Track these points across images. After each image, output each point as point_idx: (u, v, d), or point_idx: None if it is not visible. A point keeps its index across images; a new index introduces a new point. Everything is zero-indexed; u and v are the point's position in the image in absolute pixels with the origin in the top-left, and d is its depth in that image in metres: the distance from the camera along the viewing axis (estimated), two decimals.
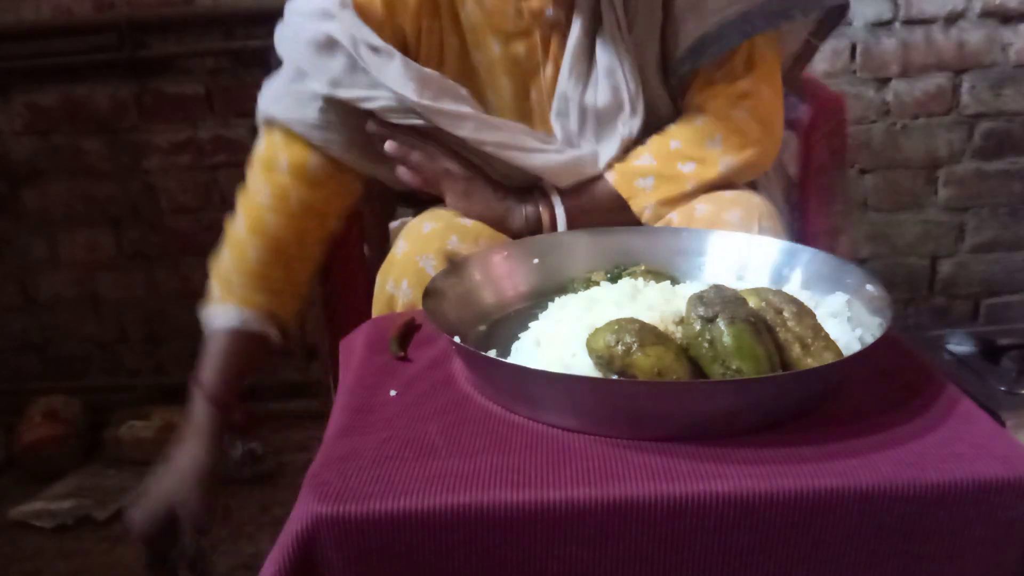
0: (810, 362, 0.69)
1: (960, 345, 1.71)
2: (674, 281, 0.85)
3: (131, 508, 0.94)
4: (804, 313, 0.72)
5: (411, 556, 0.61)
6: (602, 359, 0.67)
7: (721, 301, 0.68)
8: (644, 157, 1.02)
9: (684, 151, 1.01)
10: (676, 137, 1.02)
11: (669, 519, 0.60)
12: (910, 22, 1.93)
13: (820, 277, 0.84)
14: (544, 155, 1.02)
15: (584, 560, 0.61)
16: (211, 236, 1.03)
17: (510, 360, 0.75)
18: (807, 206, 1.17)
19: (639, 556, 0.61)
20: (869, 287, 0.80)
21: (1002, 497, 0.61)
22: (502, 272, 0.92)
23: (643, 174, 1.01)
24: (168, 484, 0.94)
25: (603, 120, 1.03)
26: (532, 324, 0.79)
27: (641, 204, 1.01)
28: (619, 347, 0.66)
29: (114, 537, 1.69)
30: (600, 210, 1.03)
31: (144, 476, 1.84)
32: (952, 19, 1.93)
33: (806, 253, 0.88)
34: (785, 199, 1.19)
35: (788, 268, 0.87)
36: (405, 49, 1.02)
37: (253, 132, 1.05)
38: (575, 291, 0.84)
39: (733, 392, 0.65)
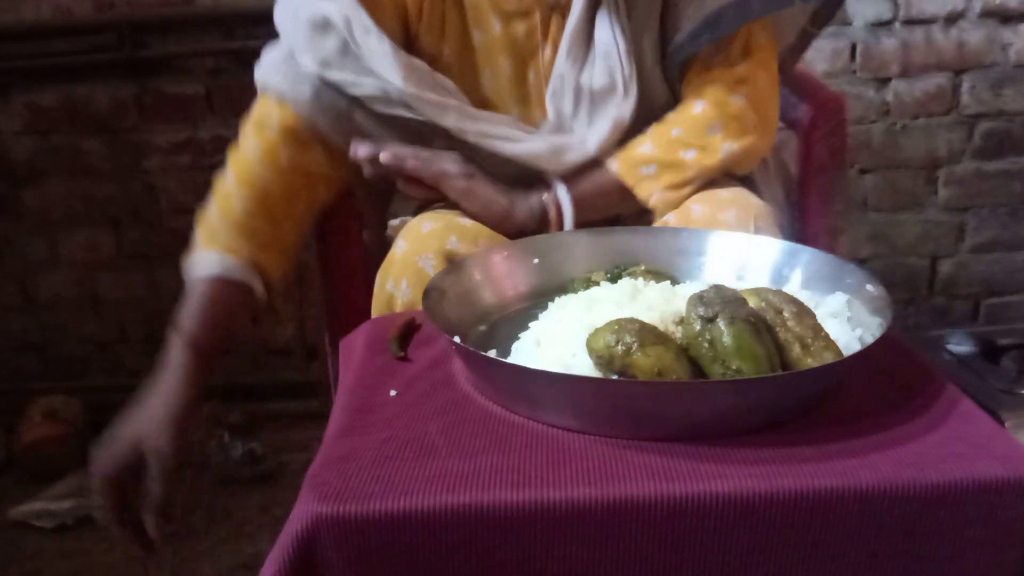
0: (810, 362, 0.69)
1: (960, 345, 1.70)
2: (674, 281, 0.85)
3: (96, 448, 0.87)
4: (804, 313, 0.72)
5: (411, 556, 0.61)
6: (602, 359, 0.67)
7: (721, 301, 0.68)
8: (645, 146, 1.02)
9: (685, 138, 1.01)
10: (677, 125, 1.02)
11: (669, 519, 0.60)
12: (910, 22, 1.93)
13: (820, 277, 0.85)
14: (527, 143, 1.02)
15: (584, 560, 0.61)
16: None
17: (510, 360, 0.75)
18: (807, 206, 1.17)
19: (639, 556, 0.61)
20: (869, 287, 0.80)
21: (1002, 497, 0.61)
22: (502, 272, 0.92)
23: (646, 162, 1.01)
24: (136, 424, 0.88)
25: (597, 102, 1.03)
26: (532, 324, 0.79)
27: (647, 191, 1.02)
28: (619, 347, 0.66)
29: (114, 537, 1.68)
30: (605, 199, 1.03)
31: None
32: (952, 19, 1.93)
33: (806, 253, 0.88)
34: (785, 198, 1.19)
35: (788, 268, 0.87)
36: (406, 25, 1.03)
37: None
38: (575, 291, 0.84)
39: (733, 392, 0.65)
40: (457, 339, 0.75)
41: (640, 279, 0.83)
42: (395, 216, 1.26)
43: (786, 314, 0.71)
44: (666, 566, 0.62)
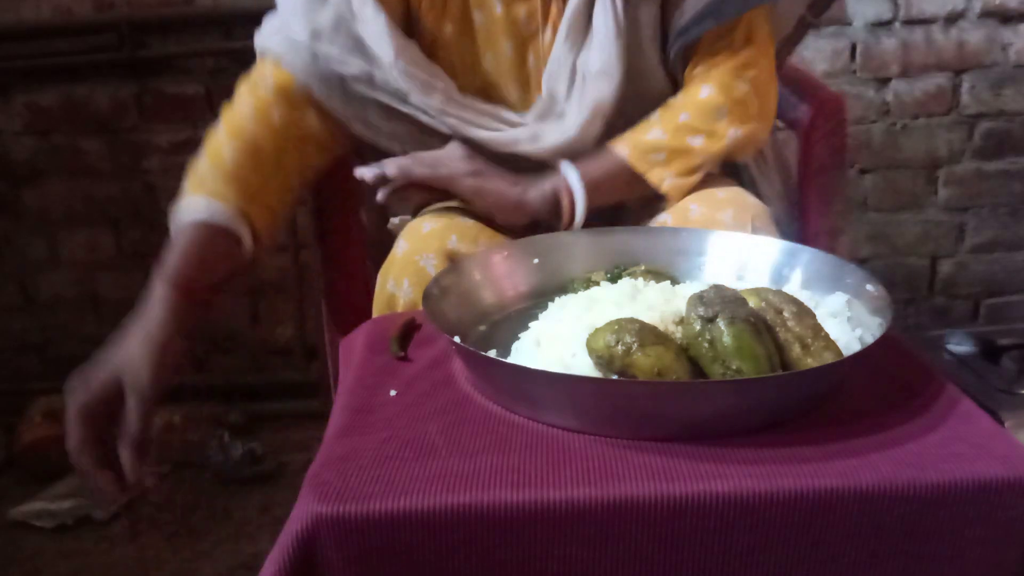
0: (810, 362, 0.69)
1: (960, 345, 1.70)
2: (674, 281, 0.85)
3: (72, 380, 0.82)
4: (804, 313, 0.72)
5: (411, 556, 0.61)
6: (602, 359, 0.67)
7: (721, 301, 0.68)
8: (654, 131, 1.02)
9: (693, 123, 1.01)
10: (684, 109, 1.02)
11: (669, 519, 0.60)
12: (910, 22, 1.93)
13: (820, 277, 0.85)
14: (505, 132, 1.03)
15: (584, 560, 0.61)
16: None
17: (510, 360, 0.75)
18: (807, 206, 1.17)
19: (639, 556, 0.61)
20: (869, 287, 0.80)
21: (1002, 497, 0.61)
22: (502, 272, 0.92)
23: (655, 149, 1.02)
24: (115, 356, 0.83)
25: (590, 85, 1.03)
26: (532, 324, 0.79)
27: (659, 176, 1.02)
28: (619, 347, 0.66)
29: (114, 537, 1.69)
30: (616, 185, 1.03)
31: (144, 476, 1.82)
32: (952, 19, 1.93)
33: (806, 253, 0.88)
34: (784, 190, 1.19)
35: (788, 268, 0.87)
36: (408, 4, 1.03)
37: None
38: (575, 291, 0.84)
39: (733, 392, 0.65)
40: (457, 339, 0.75)
41: (640, 279, 0.83)
42: (394, 214, 1.26)
43: (786, 314, 0.71)
44: (666, 566, 0.62)
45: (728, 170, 1.19)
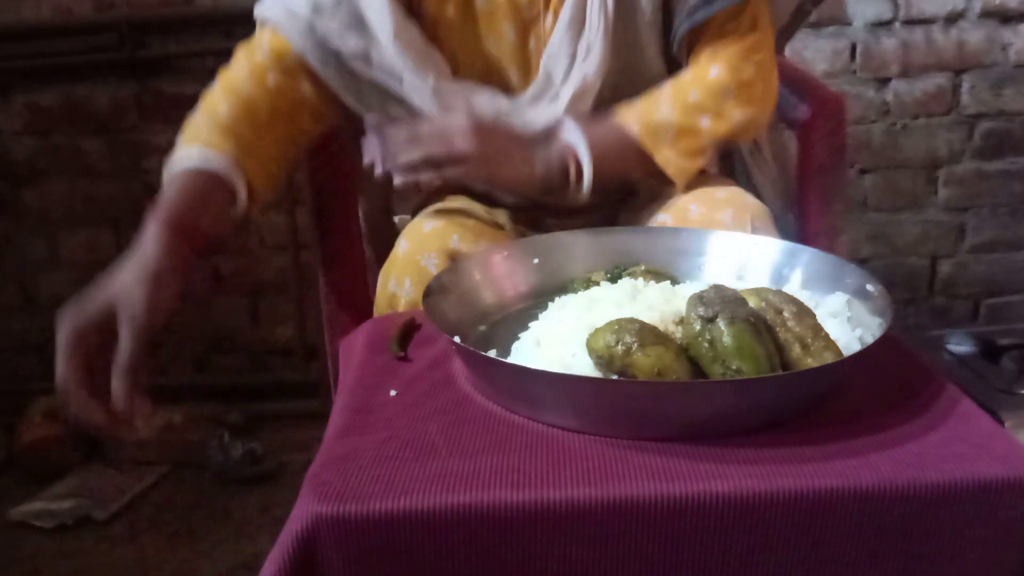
0: (810, 362, 0.69)
1: (960, 345, 1.70)
2: (674, 281, 0.85)
3: (63, 311, 0.78)
4: (804, 313, 0.72)
5: (411, 556, 0.61)
6: (602, 359, 0.67)
7: (721, 301, 0.68)
8: (664, 108, 1.01)
9: (702, 103, 1.01)
10: (694, 87, 1.02)
11: (669, 519, 0.60)
12: (910, 22, 1.93)
13: (820, 277, 0.85)
14: (501, 118, 1.03)
15: (584, 560, 0.61)
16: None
17: (510, 360, 0.75)
18: (807, 206, 1.17)
19: (639, 556, 0.61)
20: (869, 287, 0.80)
21: (1002, 497, 0.61)
22: (502, 272, 0.92)
23: (665, 127, 1.01)
24: (108, 285, 0.80)
25: (578, 65, 1.03)
26: (532, 324, 0.79)
27: (665, 157, 1.01)
28: (619, 347, 0.66)
29: (114, 537, 1.69)
30: (622, 159, 1.02)
31: (144, 476, 1.83)
32: (952, 19, 1.93)
33: (806, 253, 0.88)
34: (782, 179, 1.19)
35: (788, 268, 0.87)
36: None
37: None
38: (575, 291, 0.84)
39: (733, 392, 0.65)
40: (457, 339, 0.75)
41: (640, 279, 0.83)
42: (394, 213, 1.26)
43: (786, 314, 0.71)
44: (666, 566, 0.62)
45: (723, 161, 1.19)
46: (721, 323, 0.67)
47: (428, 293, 0.82)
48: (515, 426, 0.69)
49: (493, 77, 1.06)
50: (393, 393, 0.76)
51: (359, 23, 1.00)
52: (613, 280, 0.86)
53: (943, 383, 0.74)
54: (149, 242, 0.83)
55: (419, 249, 1.00)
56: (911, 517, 0.61)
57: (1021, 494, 0.61)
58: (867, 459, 0.63)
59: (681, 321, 0.71)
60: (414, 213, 1.16)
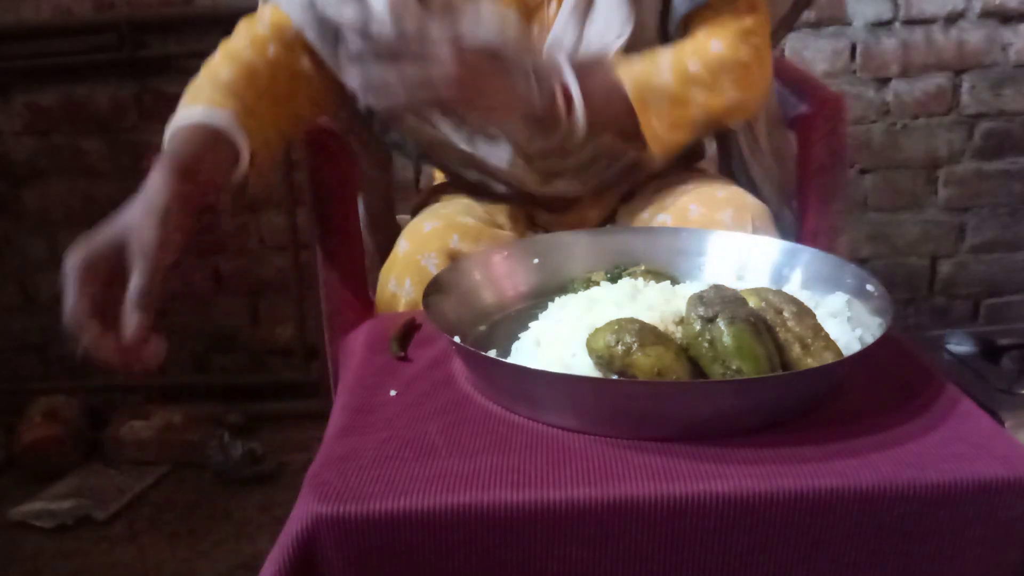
0: (810, 362, 0.69)
1: (960, 345, 1.70)
2: (674, 281, 0.85)
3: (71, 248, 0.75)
4: (804, 313, 0.72)
5: (411, 556, 0.61)
6: (602, 359, 0.67)
7: (721, 301, 0.68)
8: (664, 75, 0.98)
9: (700, 76, 0.98)
10: (694, 57, 0.99)
11: (669, 519, 0.60)
12: (910, 22, 1.93)
13: (820, 277, 0.85)
14: None
15: (584, 560, 0.61)
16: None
17: (510, 360, 0.75)
18: (807, 206, 1.17)
19: (639, 556, 0.61)
20: (869, 287, 0.80)
21: (1002, 497, 0.61)
22: (502, 272, 0.92)
23: (659, 94, 0.97)
24: (116, 222, 0.78)
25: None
26: (532, 324, 0.79)
27: (650, 125, 0.97)
28: (619, 347, 0.66)
29: (114, 537, 1.69)
30: (608, 113, 0.98)
31: (144, 476, 1.83)
32: (952, 19, 1.93)
33: (806, 253, 0.88)
34: (780, 185, 1.19)
35: (788, 268, 0.87)
36: None
37: None
38: (575, 291, 0.84)
39: (733, 392, 0.65)
40: (457, 339, 0.75)
41: (640, 279, 0.83)
42: (396, 207, 1.26)
43: (786, 314, 0.71)
44: (666, 566, 0.62)
45: (722, 156, 1.19)
46: (721, 323, 0.67)
47: (428, 293, 0.82)
48: (515, 426, 0.69)
49: None
50: (393, 393, 0.76)
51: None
52: (613, 280, 0.86)
53: (943, 383, 0.74)
54: (156, 184, 0.80)
55: (419, 249, 1.00)
56: (911, 517, 0.61)
57: (1021, 494, 0.61)
58: (867, 459, 0.63)
59: (681, 321, 0.71)
60: (414, 213, 1.16)
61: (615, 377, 0.67)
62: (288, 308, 2.08)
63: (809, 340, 0.70)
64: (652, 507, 0.60)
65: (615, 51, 1.00)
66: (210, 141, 0.88)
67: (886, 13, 1.93)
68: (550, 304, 0.82)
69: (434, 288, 0.83)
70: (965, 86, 1.97)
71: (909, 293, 2.12)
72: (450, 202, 1.12)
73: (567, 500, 0.60)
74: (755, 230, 0.98)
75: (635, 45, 1.03)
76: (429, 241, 1.00)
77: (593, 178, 1.09)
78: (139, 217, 0.76)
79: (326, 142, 1.12)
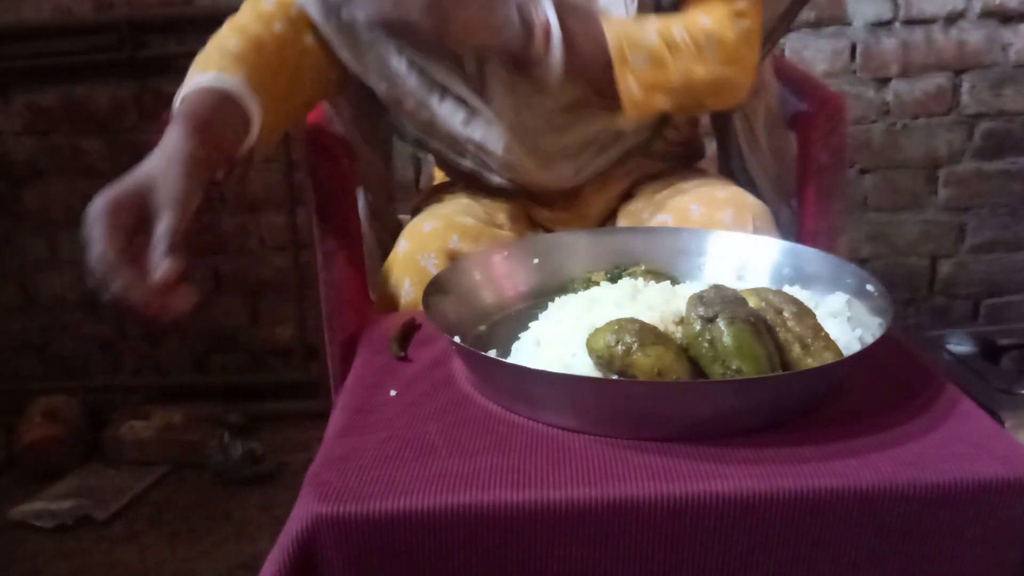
0: (810, 362, 0.69)
1: (960, 345, 1.70)
2: (674, 281, 0.85)
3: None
4: (804, 313, 0.72)
5: (411, 556, 0.61)
6: (602, 359, 0.67)
7: (721, 301, 0.68)
8: (650, 32, 0.97)
9: (685, 42, 0.97)
10: (681, 25, 0.98)
11: (669, 519, 0.60)
12: (910, 22, 1.93)
13: (820, 277, 0.85)
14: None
15: (584, 560, 0.61)
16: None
17: (510, 360, 0.75)
18: (807, 206, 1.17)
19: (639, 556, 0.61)
20: (869, 287, 0.80)
21: (1002, 497, 0.61)
22: (502, 272, 0.92)
23: (642, 50, 0.96)
24: (137, 172, 0.77)
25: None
26: (532, 324, 0.79)
27: (626, 81, 0.96)
28: (619, 347, 0.66)
29: (114, 537, 1.69)
30: (585, 61, 0.96)
31: (144, 476, 1.82)
32: (952, 19, 1.93)
33: (806, 253, 0.88)
34: (779, 182, 1.19)
35: (788, 268, 0.87)
36: None
37: None
38: (575, 291, 0.84)
39: (733, 392, 0.65)
40: (457, 339, 0.75)
41: (640, 279, 0.83)
42: (396, 201, 1.26)
43: (786, 314, 0.71)
44: (666, 566, 0.62)
45: (721, 151, 1.18)
46: (721, 323, 0.67)
47: (428, 293, 0.82)
48: (515, 426, 0.69)
49: None
50: (393, 393, 0.76)
51: None
52: (613, 280, 0.86)
53: (943, 383, 0.74)
54: (174, 138, 0.80)
55: (419, 249, 1.00)
56: (911, 517, 0.61)
57: (1021, 494, 0.61)
58: (867, 459, 0.63)
59: (681, 321, 0.71)
60: (414, 213, 1.16)
61: (615, 377, 0.67)
62: (288, 308, 2.08)
63: (809, 340, 0.70)
64: (652, 507, 0.60)
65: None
66: (222, 104, 0.87)
67: (886, 13, 1.93)
68: (550, 304, 0.82)
69: (434, 288, 0.83)
70: (965, 86, 1.98)
71: (909, 293, 2.12)
72: (450, 202, 1.12)
73: (567, 500, 0.60)
74: (756, 230, 0.98)
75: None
76: (429, 241, 1.00)
77: (588, 164, 1.08)
78: (162, 166, 0.75)
79: (326, 142, 1.12)
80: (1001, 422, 1.26)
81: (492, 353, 0.74)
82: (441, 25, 0.90)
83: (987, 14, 1.92)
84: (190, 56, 0.91)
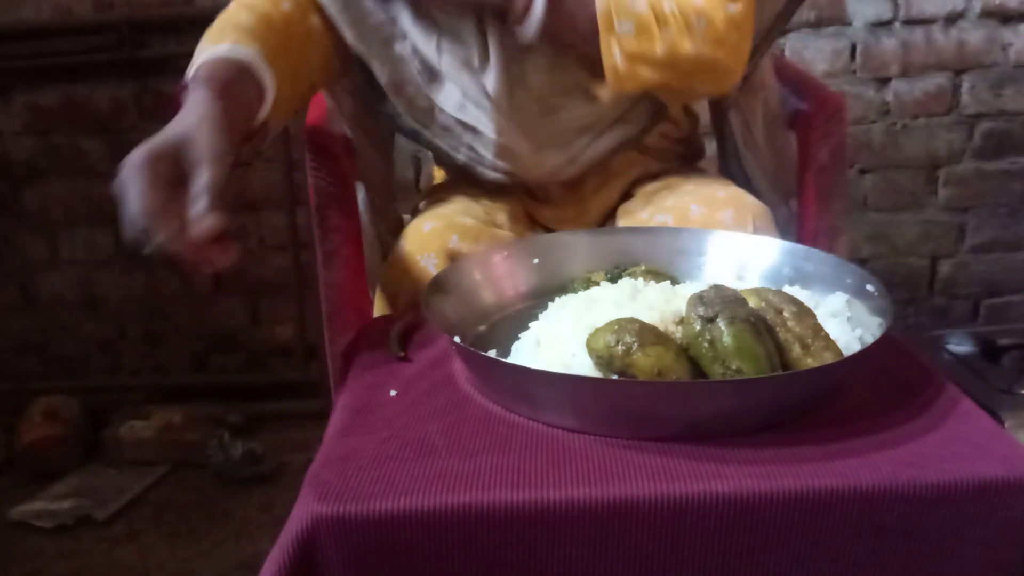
0: (810, 362, 0.69)
1: (960, 345, 1.70)
2: (674, 281, 0.85)
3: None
4: (804, 313, 0.72)
5: (411, 556, 0.61)
6: (602, 359, 0.67)
7: (721, 301, 0.68)
8: (640, 2, 0.95)
9: (674, 15, 0.95)
10: (672, 1, 0.95)
11: (669, 519, 0.60)
12: (910, 22, 1.93)
13: (820, 277, 0.85)
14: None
15: (584, 560, 0.61)
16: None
17: (510, 360, 0.75)
18: (807, 206, 1.17)
19: (639, 556, 0.61)
20: (869, 287, 0.80)
21: (1002, 497, 0.61)
22: (502, 272, 0.92)
23: (628, 16, 0.95)
24: (168, 129, 0.75)
25: None
26: (532, 324, 0.79)
27: (611, 49, 0.95)
28: (619, 347, 0.66)
29: (114, 537, 1.69)
30: (571, 24, 0.96)
31: (144, 476, 1.82)
32: (952, 19, 1.93)
33: (806, 253, 0.88)
34: (777, 179, 1.19)
35: (788, 268, 0.87)
36: None
37: None
38: (575, 291, 0.84)
39: (733, 392, 0.65)
40: (457, 339, 0.75)
41: (640, 279, 0.83)
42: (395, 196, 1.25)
43: (786, 314, 0.71)
44: (666, 566, 0.62)
45: (721, 155, 1.18)
46: (721, 323, 0.67)
47: (428, 293, 0.82)
48: (515, 426, 0.69)
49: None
50: (393, 393, 0.76)
51: None
52: (613, 280, 0.86)
53: (943, 383, 0.74)
54: (199, 99, 0.79)
55: (419, 249, 1.00)
56: (911, 517, 0.61)
57: (1021, 494, 0.61)
58: (867, 459, 0.63)
59: (681, 321, 0.71)
60: (414, 213, 1.16)
61: (615, 377, 0.67)
62: (288, 308, 2.08)
63: (809, 340, 0.70)
64: (652, 507, 0.60)
65: None
66: (239, 73, 0.87)
67: (886, 13, 1.93)
68: (550, 304, 0.82)
69: (434, 288, 0.83)
70: (965, 86, 1.98)
71: (909, 293, 2.12)
72: (450, 202, 1.12)
73: (567, 500, 0.60)
74: (755, 230, 0.98)
75: None
76: (429, 241, 1.00)
77: (581, 153, 1.08)
78: (194, 124, 0.74)
79: (326, 142, 1.12)
80: (1001, 422, 1.26)
81: (492, 353, 0.74)
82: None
83: (987, 14, 1.92)
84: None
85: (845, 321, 0.77)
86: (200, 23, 0.94)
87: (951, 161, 2.03)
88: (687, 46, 0.95)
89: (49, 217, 2.06)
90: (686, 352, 0.69)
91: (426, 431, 0.69)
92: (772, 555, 0.61)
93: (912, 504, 0.61)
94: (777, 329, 0.70)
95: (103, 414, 2.01)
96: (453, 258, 0.98)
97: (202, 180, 0.70)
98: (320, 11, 1.01)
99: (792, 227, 1.17)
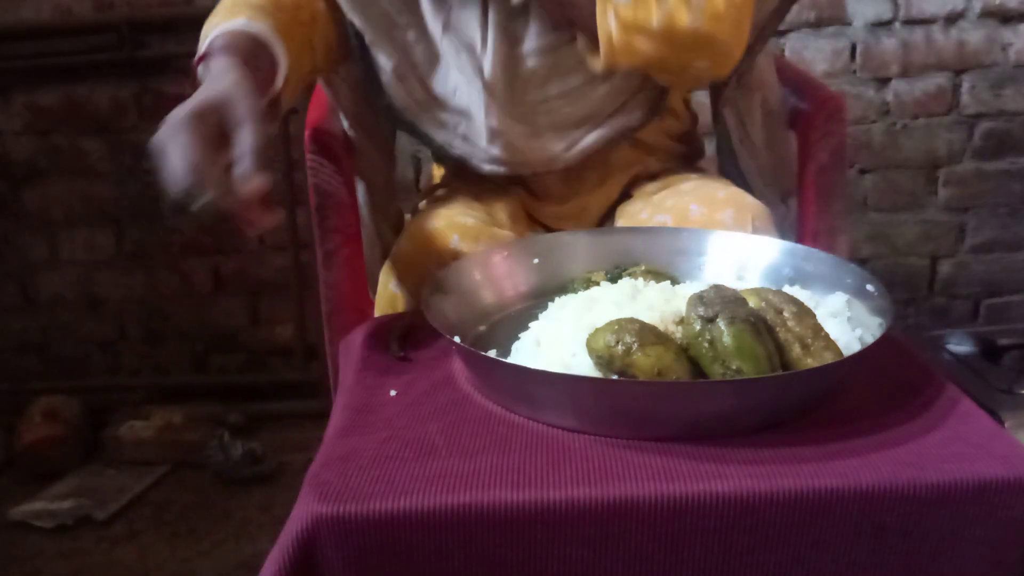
0: (810, 362, 0.69)
1: (960, 345, 1.70)
2: (674, 281, 0.85)
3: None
4: (804, 313, 0.72)
5: (411, 556, 0.61)
6: (602, 359, 0.67)
7: (721, 301, 0.68)
8: None
9: None
10: None
11: (669, 519, 0.60)
12: (910, 22, 1.93)
13: (820, 277, 0.85)
14: None
15: (584, 560, 0.61)
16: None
17: (510, 360, 0.75)
18: (807, 206, 1.17)
19: (639, 556, 0.61)
20: (869, 287, 0.80)
21: (1002, 497, 0.61)
22: (502, 272, 0.92)
23: None
24: (201, 92, 0.74)
25: None
26: (532, 324, 0.79)
27: (607, 20, 0.94)
28: (619, 347, 0.66)
29: (114, 537, 1.69)
30: None
31: (144, 476, 1.82)
32: (952, 19, 1.93)
33: (806, 253, 0.88)
34: (774, 177, 1.19)
35: (788, 268, 0.87)
36: None
37: None
38: (575, 291, 0.84)
39: (733, 392, 0.65)
40: (457, 339, 0.75)
41: (640, 279, 0.83)
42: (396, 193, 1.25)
43: (786, 314, 0.71)
44: (666, 566, 0.62)
45: (721, 155, 1.18)
46: (721, 323, 0.67)
47: (428, 293, 0.82)
48: (515, 426, 0.69)
49: None
50: (393, 393, 0.76)
51: None
52: (613, 280, 0.86)
53: (943, 383, 0.74)
54: (226, 66, 0.78)
55: (419, 249, 1.00)
56: (911, 517, 0.61)
57: (1021, 494, 0.62)
58: (867, 459, 0.63)
59: (681, 321, 0.71)
60: (414, 213, 1.16)
61: (615, 377, 0.67)
62: (288, 308, 2.08)
63: (809, 340, 0.70)
64: (652, 507, 0.60)
65: None
66: (254, 46, 0.87)
67: (886, 13, 1.93)
68: (550, 304, 0.82)
69: (434, 288, 0.83)
70: (965, 86, 1.97)
71: (909, 293, 2.12)
72: (450, 201, 1.11)
73: (567, 500, 0.60)
74: (755, 230, 0.98)
75: None
76: (429, 241, 1.00)
77: (578, 142, 1.07)
78: (230, 86, 0.74)
79: (326, 142, 1.12)
80: (1001, 422, 1.26)
81: (492, 353, 0.74)
82: None
83: (987, 14, 1.92)
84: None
85: (845, 321, 0.77)
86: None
87: (951, 161, 2.03)
88: (684, 18, 0.94)
89: (49, 217, 2.06)
90: (686, 352, 0.69)
91: (426, 431, 0.69)
92: (772, 555, 0.62)
93: (912, 504, 0.61)
94: (777, 329, 0.70)
95: (103, 414, 2.01)
96: (453, 258, 0.98)
97: (247, 140, 0.70)
98: None
99: (788, 226, 1.17)
